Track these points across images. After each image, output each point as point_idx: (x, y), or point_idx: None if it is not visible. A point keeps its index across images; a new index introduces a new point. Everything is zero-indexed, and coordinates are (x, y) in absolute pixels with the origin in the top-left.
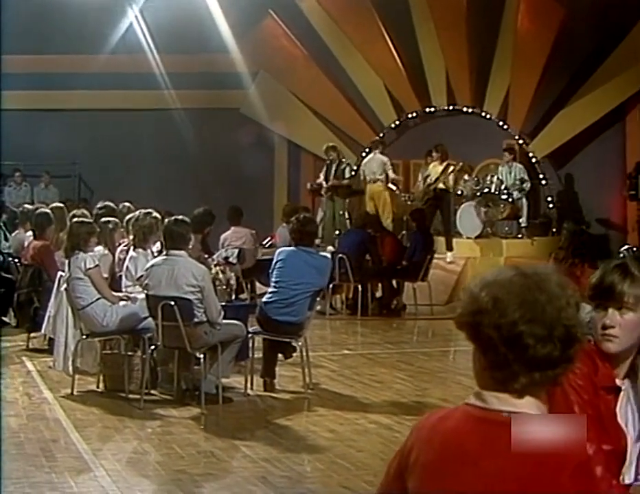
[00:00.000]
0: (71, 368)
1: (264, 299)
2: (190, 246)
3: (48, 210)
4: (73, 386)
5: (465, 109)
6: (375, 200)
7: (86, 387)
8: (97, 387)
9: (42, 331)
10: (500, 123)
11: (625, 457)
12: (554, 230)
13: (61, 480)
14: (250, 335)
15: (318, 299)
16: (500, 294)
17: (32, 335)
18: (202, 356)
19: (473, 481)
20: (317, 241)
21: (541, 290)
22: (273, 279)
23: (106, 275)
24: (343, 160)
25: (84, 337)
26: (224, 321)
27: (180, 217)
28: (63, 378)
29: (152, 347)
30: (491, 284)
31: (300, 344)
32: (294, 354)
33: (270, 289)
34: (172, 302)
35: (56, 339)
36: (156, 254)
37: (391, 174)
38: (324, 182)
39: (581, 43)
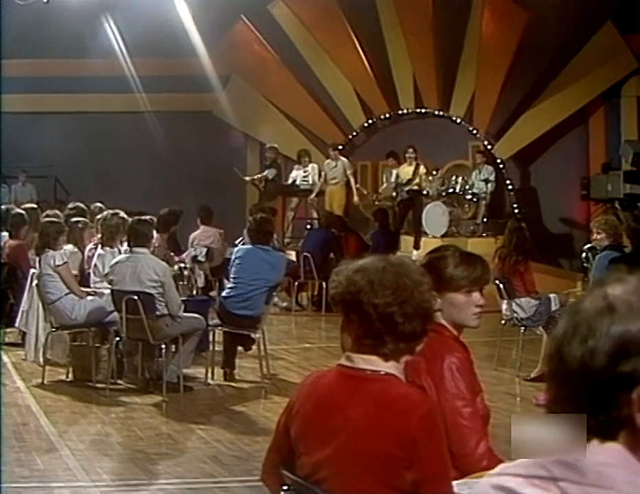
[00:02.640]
0: (41, 359)
1: (223, 294)
2: (157, 245)
3: (22, 211)
4: (44, 376)
5: (432, 111)
6: (336, 200)
7: (56, 377)
8: (67, 377)
9: (17, 325)
10: (466, 125)
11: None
12: None
13: (29, 458)
14: (210, 328)
15: (274, 294)
16: (375, 279)
17: (8, 330)
18: (163, 347)
19: (341, 426)
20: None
21: (408, 277)
22: (232, 275)
23: (75, 272)
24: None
25: (54, 329)
26: (185, 314)
27: (143, 217)
28: (35, 369)
29: (118, 339)
30: (366, 270)
31: (258, 336)
32: (254, 346)
33: (228, 285)
34: (135, 297)
35: (28, 332)
36: (123, 252)
37: (352, 179)
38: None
39: (544, 47)
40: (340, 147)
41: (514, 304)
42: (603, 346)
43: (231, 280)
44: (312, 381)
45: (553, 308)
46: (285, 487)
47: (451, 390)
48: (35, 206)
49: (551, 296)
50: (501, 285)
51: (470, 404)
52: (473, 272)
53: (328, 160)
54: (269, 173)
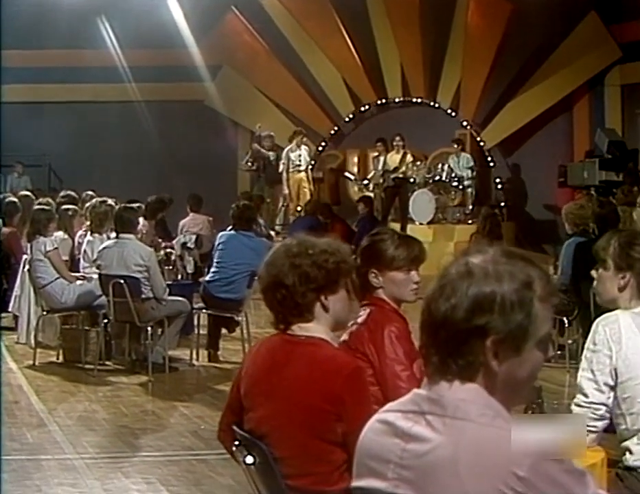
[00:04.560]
0: (33, 342)
1: (206, 278)
2: (144, 231)
3: (15, 199)
4: (35, 358)
5: (419, 100)
6: (300, 187)
7: (47, 359)
8: (57, 358)
9: (10, 309)
10: (453, 114)
11: None
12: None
13: (19, 433)
14: (195, 311)
15: (256, 278)
16: (271, 259)
17: (2, 314)
18: (149, 329)
19: (279, 383)
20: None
21: (301, 245)
22: (215, 260)
23: (66, 257)
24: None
25: (45, 313)
26: (170, 298)
27: (129, 204)
28: (27, 351)
29: (106, 322)
30: (270, 256)
31: (241, 319)
32: (237, 329)
33: (212, 269)
34: (122, 281)
35: (20, 316)
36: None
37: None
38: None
39: (529, 37)
40: (304, 133)
41: None
42: (463, 303)
43: (215, 264)
44: (258, 346)
45: None
46: (237, 442)
47: (390, 356)
48: (28, 193)
49: None
50: None
51: (407, 368)
52: (412, 252)
53: (290, 146)
54: (271, 155)
